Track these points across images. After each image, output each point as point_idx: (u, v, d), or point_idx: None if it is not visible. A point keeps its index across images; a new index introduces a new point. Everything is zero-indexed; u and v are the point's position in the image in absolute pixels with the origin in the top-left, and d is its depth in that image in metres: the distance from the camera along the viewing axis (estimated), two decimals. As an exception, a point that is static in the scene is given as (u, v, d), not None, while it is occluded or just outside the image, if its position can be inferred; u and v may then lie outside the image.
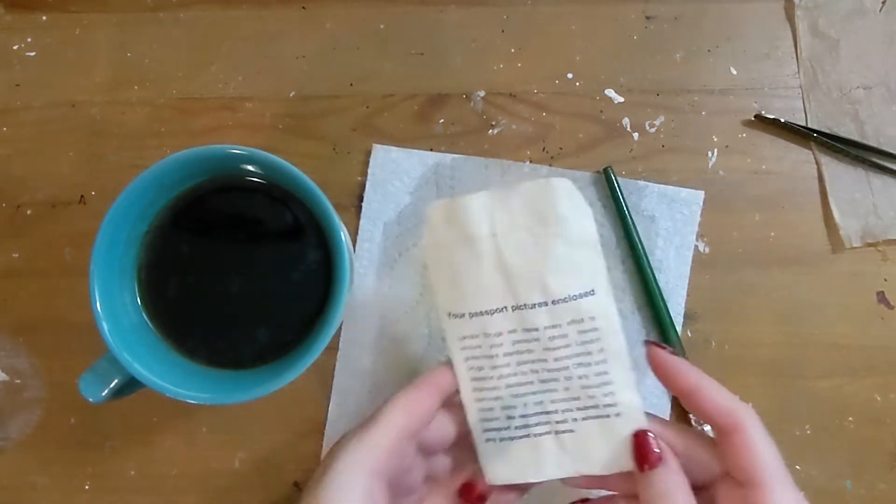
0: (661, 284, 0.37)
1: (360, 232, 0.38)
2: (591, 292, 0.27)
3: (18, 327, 0.38)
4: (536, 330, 0.28)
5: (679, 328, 0.37)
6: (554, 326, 0.28)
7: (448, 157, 0.38)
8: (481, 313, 0.28)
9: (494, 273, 0.28)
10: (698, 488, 0.27)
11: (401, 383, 0.36)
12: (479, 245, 0.28)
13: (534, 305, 0.28)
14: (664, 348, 0.28)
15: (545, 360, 0.28)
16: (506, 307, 0.28)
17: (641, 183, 0.38)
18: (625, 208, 0.37)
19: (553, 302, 0.28)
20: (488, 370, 0.28)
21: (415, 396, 0.27)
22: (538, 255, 0.28)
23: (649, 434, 0.27)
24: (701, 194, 0.38)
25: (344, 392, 0.37)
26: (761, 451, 0.25)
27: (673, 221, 0.38)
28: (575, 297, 0.27)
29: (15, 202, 0.38)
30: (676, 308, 0.37)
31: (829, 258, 0.38)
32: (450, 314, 0.29)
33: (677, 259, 0.38)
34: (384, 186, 0.38)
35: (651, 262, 0.37)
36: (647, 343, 0.28)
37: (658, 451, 0.26)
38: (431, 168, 0.38)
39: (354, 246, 0.38)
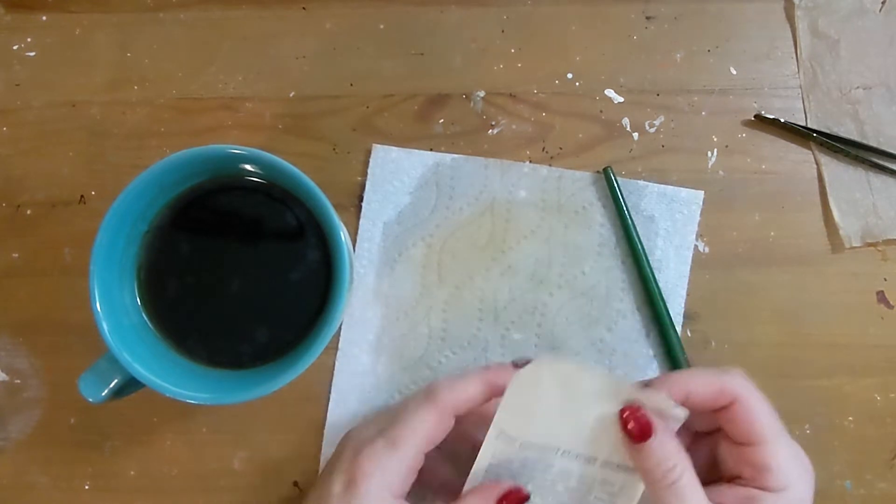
0: (660, 284, 0.37)
1: (359, 232, 0.38)
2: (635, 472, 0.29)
3: (18, 327, 0.38)
4: (571, 474, 0.29)
5: (679, 328, 0.37)
6: (589, 478, 0.29)
7: (448, 158, 0.38)
8: (534, 445, 0.29)
9: (573, 425, 0.29)
10: (702, 435, 0.31)
11: (401, 383, 0.37)
12: (577, 405, 0.28)
13: (585, 458, 0.29)
14: (635, 408, 0.28)
15: (559, 492, 0.29)
16: (559, 449, 0.29)
17: (641, 183, 0.38)
18: (624, 208, 0.37)
19: (603, 463, 0.29)
20: (505, 477, 0.29)
21: (436, 420, 0.29)
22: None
23: (636, 408, 0.28)
24: (700, 194, 0.38)
25: (344, 392, 0.37)
26: (756, 415, 0.28)
27: (672, 221, 0.38)
28: (622, 468, 0.29)
29: (15, 202, 0.38)
30: (676, 308, 0.37)
31: (828, 258, 0.38)
32: (502, 432, 0.29)
33: (677, 259, 0.38)
34: (384, 186, 0.38)
35: (651, 262, 0.37)
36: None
37: (649, 420, 0.27)
38: (431, 168, 0.38)
39: (354, 246, 0.38)
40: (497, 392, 0.29)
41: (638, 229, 0.37)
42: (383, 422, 0.30)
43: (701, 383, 0.28)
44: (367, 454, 0.28)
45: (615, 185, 0.37)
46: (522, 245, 0.38)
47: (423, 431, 0.28)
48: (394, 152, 0.38)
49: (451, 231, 0.38)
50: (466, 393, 0.29)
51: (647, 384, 0.30)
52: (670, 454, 0.27)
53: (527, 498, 0.29)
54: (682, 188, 0.38)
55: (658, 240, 0.38)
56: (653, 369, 0.37)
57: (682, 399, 0.28)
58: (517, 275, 0.38)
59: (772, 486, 0.27)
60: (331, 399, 0.37)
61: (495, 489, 0.29)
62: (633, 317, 0.37)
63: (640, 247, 0.37)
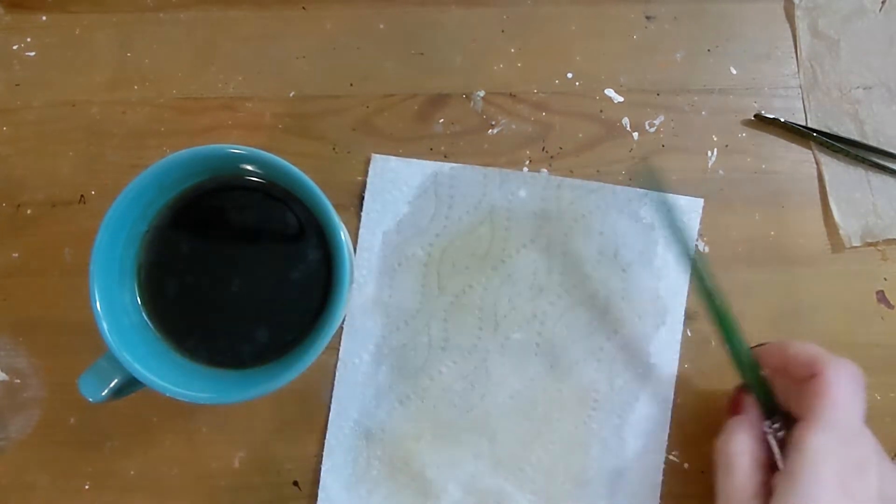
0: (661, 292, 0.37)
1: (359, 241, 0.38)
2: None
3: (18, 327, 0.38)
4: None
5: (680, 329, 0.37)
6: None
7: (447, 167, 0.38)
8: None
9: None
10: None
11: (402, 393, 0.37)
12: None
13: None
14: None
15: None
16: None
17: (640, 191, 0.38)
18: (683, 240, 0.34)
19: None
20: None
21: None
22: None
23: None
24: (700, 202, 0.38)
25: (344, 401, 0.37)
26: (833, 385, 0.29)
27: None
28: None
29: (15, 202, 0.38)
30: (677, 315, 0.37)
31: (828, 258, 0.38)
32: None
33: (677, 267, 0.38)
34: (383, 196, 0.38)
35: (651, 271, 0.37)
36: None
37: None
38: (430, 177, 0.38)
39: (354, 250, 0.38)
40: None
41: (636, 238, 0.37)
42: None
43: (800, 348, 0.32)
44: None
45: (667, 207, 0.34)
46: (522, 254, 0.38)
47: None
48: (392, 161, 0.38)
49: (451, 240, 0.38)
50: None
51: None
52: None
53: None
54: (681, 196, 0.38)
55: (657, 248, 0.38)
56: (654, 378, 0.37)
57: (780, 365, 0.32)
58: (517, 283, 0.38)
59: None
60: (331, 409, 0.37)
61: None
62: (632, 325, 0.37)
63: (705, 280, 0.33)
